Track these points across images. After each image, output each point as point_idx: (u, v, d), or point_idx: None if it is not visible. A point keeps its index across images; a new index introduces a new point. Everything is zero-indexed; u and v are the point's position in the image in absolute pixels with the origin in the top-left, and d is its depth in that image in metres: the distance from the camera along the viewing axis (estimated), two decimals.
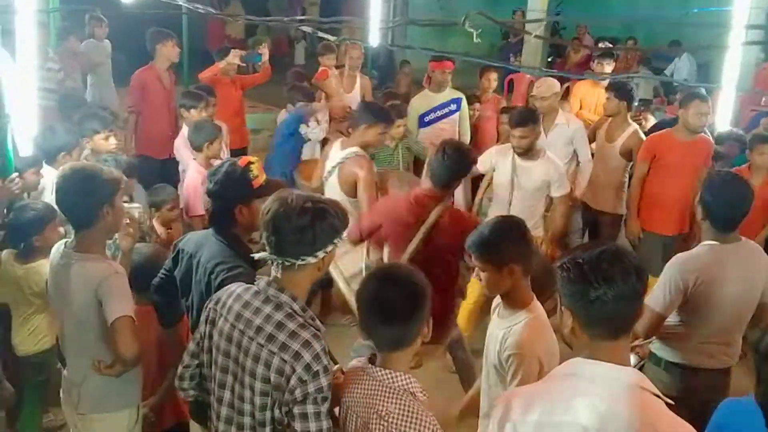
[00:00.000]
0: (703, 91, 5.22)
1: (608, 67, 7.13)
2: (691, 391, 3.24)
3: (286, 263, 2.23)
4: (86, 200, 2.81)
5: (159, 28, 6.55)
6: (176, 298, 3.08)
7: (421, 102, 6.31)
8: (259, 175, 2.97)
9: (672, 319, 3.33)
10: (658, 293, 3.24)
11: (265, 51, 7.08)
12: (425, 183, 4.07)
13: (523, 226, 2.84)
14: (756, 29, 6.31)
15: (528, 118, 4.82)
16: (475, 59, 6.63)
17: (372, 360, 2.26)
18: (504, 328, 2.70)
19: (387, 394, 2.14)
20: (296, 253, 2.22)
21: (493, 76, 6.94)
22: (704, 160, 5.15)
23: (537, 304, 2.75)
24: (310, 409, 2.13)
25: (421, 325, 2.19)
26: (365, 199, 4.41)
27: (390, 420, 2.09)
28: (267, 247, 2.27)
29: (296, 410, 2.14)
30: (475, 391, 3.08)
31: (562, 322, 1.90)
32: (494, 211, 4.86)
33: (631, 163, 5.68)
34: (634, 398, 1.76)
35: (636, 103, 6.33)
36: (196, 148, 4.88)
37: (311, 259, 2.23)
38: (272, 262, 2.27)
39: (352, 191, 4.51)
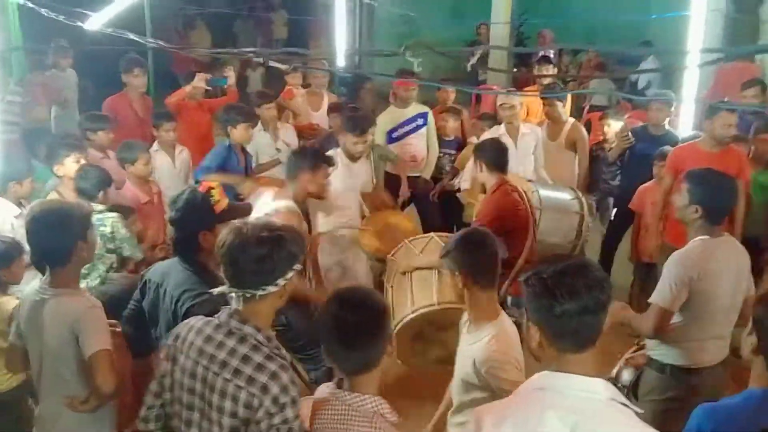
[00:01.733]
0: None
1: (546, 71, 7.46)
2: (696, 392, 3.27)
3: (247, 295, 2.20)
4: (61, 239, 2.79)
5: (128, 55, 6.53)
6: (147, 328, 3.06)
7: (388, 118, 6.34)
8: (220, 200, 2.97)
9: (675, 318, 3.36)
10: (663, 290, 3.26)
11: (231, 74, 7.07)
12: None
13: (491, 240, 2.88)
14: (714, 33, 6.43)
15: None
16: (443, 84, 6.72)
17: (340, 384, 2.25)
18: (472, 344, 2.75)
19: (358, 419, 2.13)
20: (256, 284, 2.19)
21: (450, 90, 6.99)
22: (737, 171, 4.78)
23: (504, 318, 2.79)
24: None
25: (384, 345, 2.19)
26: None
27: None
28: (226, 280, 2.25)
29: None
30: (444, 408, 3.11)
31: (528, 337, 1.92)
32: None
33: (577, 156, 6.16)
34: (605, 409, 1.78)
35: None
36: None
37: (272, 288, 2.20)
38: (233, 295, 2.24)
39: None
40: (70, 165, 4.65)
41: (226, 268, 2.23)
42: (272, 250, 2.17)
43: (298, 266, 2.26)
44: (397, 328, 3.77)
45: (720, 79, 7.77)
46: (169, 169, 5.90)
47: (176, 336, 2.33)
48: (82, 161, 4.72)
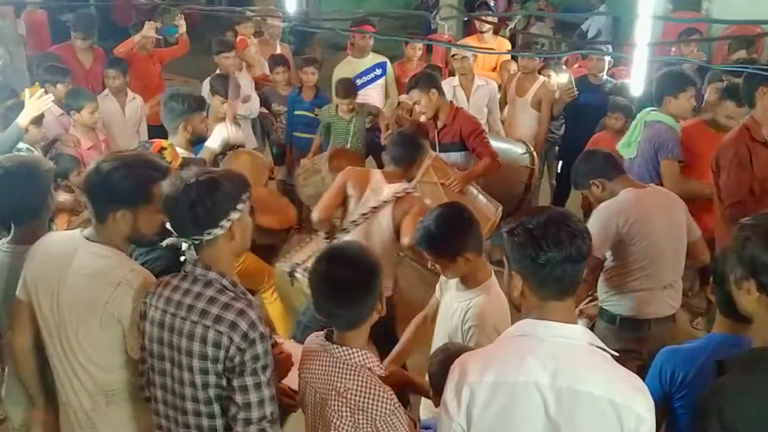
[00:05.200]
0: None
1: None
2: (643, 343, 3.41)
3: (195, 241, 2.19)
4: (32, 194, 2.76)
5: (80, 11, 6.38)
6: None
7: (345, 69, 6.27)
8: (172, 161, 2.95)
9: (618, 267, 3.49)
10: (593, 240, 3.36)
11: (181, 23, 6.87)
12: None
13: (467, 211, 2.86)
14: None
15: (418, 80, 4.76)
16: (392, 37, 6.62)
17: (329, 336, 2.28)
18: (464, 301, 2.75)
19: (345, 371, 2.18)
20: (199, 229, 2.17)
21: (417, 45, 6.87)
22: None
23: (493, 278, 2.80)
24: (249, 381, 2.13)
25: (375, 301, 2.22)
26: None
27: (348, 396, 2.14)
28: (172, 230, 2.25)
29: (236, 383, 2.13)
30: (401, 348, 3.16)
31: (510, 287, 1.97)
32: None
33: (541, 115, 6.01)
34: (583, 354, 1.86)
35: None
36: None
37: (218, 231, 2.18)
38: (186, 245, 2.23)
39: None
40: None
41: (168, 218, 2.23)
42: (202, 194, 2.14)
43: (241, 206, 2.22)
44: None
45: (666, 28, 7.90)
46: (118, 116, 5.80)
47: (146, 293, 2.32)
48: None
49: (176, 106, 3.80)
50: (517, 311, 2.03)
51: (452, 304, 2.83)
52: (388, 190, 3.77)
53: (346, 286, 2.17)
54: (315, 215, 3.86)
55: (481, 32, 6.94)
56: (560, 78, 6.19)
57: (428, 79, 4.71)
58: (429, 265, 2.93)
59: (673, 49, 6.45)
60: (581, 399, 1.79)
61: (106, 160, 2.44)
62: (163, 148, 2.96)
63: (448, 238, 2.74)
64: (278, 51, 7.16)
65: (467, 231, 2.76)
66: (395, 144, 3.94)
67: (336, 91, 5.71)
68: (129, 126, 5.87)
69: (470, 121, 4.79)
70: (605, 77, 6.04)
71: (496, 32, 7.32)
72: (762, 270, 1.86)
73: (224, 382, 2.16)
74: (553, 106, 6.08)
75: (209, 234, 2.17)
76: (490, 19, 7.57)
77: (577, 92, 5.91)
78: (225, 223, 2.18)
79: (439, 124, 4.76)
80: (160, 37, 6.85)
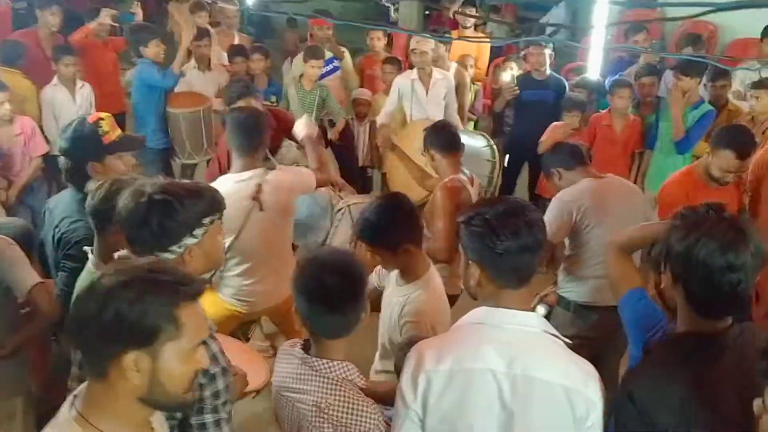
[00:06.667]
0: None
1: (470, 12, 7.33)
2: (595, 330, 3.47)
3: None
4: None
5: None
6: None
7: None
8: (110, 131, 2.94)
9: (575, 255, 3.56)
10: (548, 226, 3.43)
11: (138, 11, 6.78)
12: None
13: (408, 202, 2.81)
14: None
15: None
16: (350, 22, 6.59)
17: (305, 347, 2.20)
18: (402, 296, 2.70)
19: (326, 386, 2.09)
20: (148, 251, 2.02)
21: (378, 35, 6.88)
22: None
23: (433, 271, 2.77)
24: (208, 418, 1.99)
25: (362, 311, 2.16)
26: None
27: (330, 412, 2.05)
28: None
29: (194, 420, 1.99)
30: None
31: (467, 276, 1.98)
32: None
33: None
34: (538, 341, 1.89)
35: None
36: None
37: (168, 255, 2.03)
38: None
39: None
40: None
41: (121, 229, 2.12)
42: (153, 217, 2.00)
43: (199, 231, 2.07)
44: None
45: (624, 20, 8.04)
46: (69, 104, 5.68)
47: None
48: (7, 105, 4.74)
49: None
50: (473, 299, 2.04)
51: (392, 299, 2.77)
52: None
53: (340, 292, 2.09)
54: None
55: (464, 27, 7.00)
56: (503, 76, 6.29)
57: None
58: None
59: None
60: (535, 385, 1.82)
61: None
62: (100, 119, 2.94)
63: (388, 229, 2.69)
64: (236, 41, 7.09)
65: (407, 223, 2.73)
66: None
67: (304, 55, 5.90)
68: (80, 114, 5.72)
69: None
70: (549, 72, 6.10)
71: (476, 27, 7.37)
72: (674, 259, 1.90)
73: (180, 416, 2.01)
74: (494, 102, 6.25)
75: (158, 256, 2.02)
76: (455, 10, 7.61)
77: (518, 91, 5.99)
78: (176, 249, 2.04)
79: None
80: (116, 24, 6.71)
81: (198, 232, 2.07)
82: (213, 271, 3.40)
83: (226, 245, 3.21)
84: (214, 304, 3.46)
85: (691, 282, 1.87)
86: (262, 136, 3.49)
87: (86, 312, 1.46)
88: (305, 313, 2.13)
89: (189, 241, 2.05)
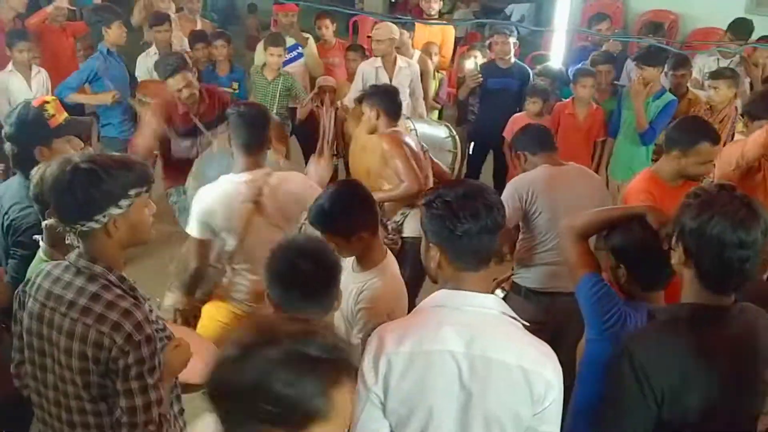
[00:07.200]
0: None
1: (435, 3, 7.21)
2: (550, 315, 3.50)
3: (72, 229, 2.05)
4: None
5: None
6: None
7: None
8: (56, 114, 2.91)
9: (527, 241, 3.59)
10: None
11: None
12: None
13: (363, 189, 2.80)
14: None
15: None
16: (316, 5, 6.54)
17: None
18: (359, 283, 2.68)
19: None
20: (70, 218, 2.03)
21: (326, 23, 6.77)
22: None
23: (390, 258, 2.77)
24: (134, 384, 2.01)
25: (335, 299, 2.20)
26: None
27: None
28: None
29: (120, 386, 2.01)
30: None
31: (428, 258, 1.99)
32: None
33: None
34: (497, 322, 1.90)
35: None
36: None
37: (92, 224, 2.02)
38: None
39: None
40: None
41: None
42: (77, 185, 1.99)
43: (125, 202, 2.04)
44: None
45: (587, 11, 8.14)
46: (24, 91, 5.54)
47: (26, 281, 2.20)
48: None
49: None
50: (433, 282, 2.04)
51: (348, 286, 2.71)
52: None
53: (315, 278, 2.12)
54: None
55: (429, 16, 6.97)
56: (467, 64, 6.30)
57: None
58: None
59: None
60: (494, 366, 1.83)
61: None
62: (45, 102, 2.91)
63: (343, 216, 2.65)
64: (199, 27, 6.98)
65: (362, 210, 2.71)
66: None
67: (264, 43, 5.90)
68: None
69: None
70: (513, 60, 6.13)
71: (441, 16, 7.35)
72: (687, 236, 1.95)
73: (108, 383, 2.03)
74: (459, 89, 6.27)
75: (82, 225, 2.02)
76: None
77: (481, 79, 5.99)
78: (100, 218, 2.02)
79: None
80: (75, 9, 6.57)
81: (123, 203, 2.04)
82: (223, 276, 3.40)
83: (229, 248, 3.23)
84: (221, 308, 3.42)
85: (703, 258, 1.94)
86: (267, 134, 3.33)
87: (237, 384, 1.31)
88: (278, 300, 2.15)
89: (114, 211, 2.03)
